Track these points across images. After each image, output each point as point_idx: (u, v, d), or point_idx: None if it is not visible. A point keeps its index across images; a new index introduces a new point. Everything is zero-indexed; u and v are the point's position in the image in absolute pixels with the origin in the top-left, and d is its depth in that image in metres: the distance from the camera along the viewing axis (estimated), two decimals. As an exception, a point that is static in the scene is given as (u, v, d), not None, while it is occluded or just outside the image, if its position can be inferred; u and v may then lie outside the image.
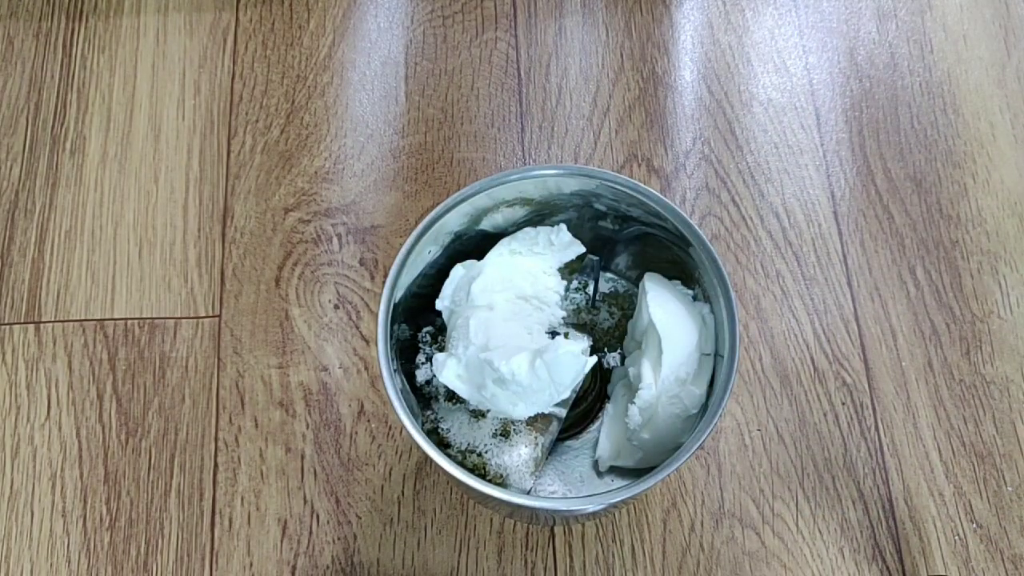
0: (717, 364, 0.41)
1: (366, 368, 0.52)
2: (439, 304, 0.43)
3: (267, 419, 0.51)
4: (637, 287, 0.45)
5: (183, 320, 0.53)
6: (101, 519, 0.49)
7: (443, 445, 0.43)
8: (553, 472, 0.46)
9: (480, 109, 0.59)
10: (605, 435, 0.46)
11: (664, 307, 0.42)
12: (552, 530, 0.49)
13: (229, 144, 0.58)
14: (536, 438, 0.43)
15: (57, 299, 0.54)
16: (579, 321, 0.47)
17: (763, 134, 0.58)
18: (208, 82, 0.59)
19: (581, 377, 0.41)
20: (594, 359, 0.41)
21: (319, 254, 0.55)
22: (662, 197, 0.41)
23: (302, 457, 0.50)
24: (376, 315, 0.51)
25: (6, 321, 0.53)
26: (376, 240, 0.55)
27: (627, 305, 0.47)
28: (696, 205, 0.56)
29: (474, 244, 0.45)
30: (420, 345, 0.45)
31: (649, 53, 0.61)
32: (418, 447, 0.38)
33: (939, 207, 0.57)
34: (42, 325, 0.53)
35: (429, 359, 0.44)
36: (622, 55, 0.61)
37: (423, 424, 0.43)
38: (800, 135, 0.58)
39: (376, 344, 0.40)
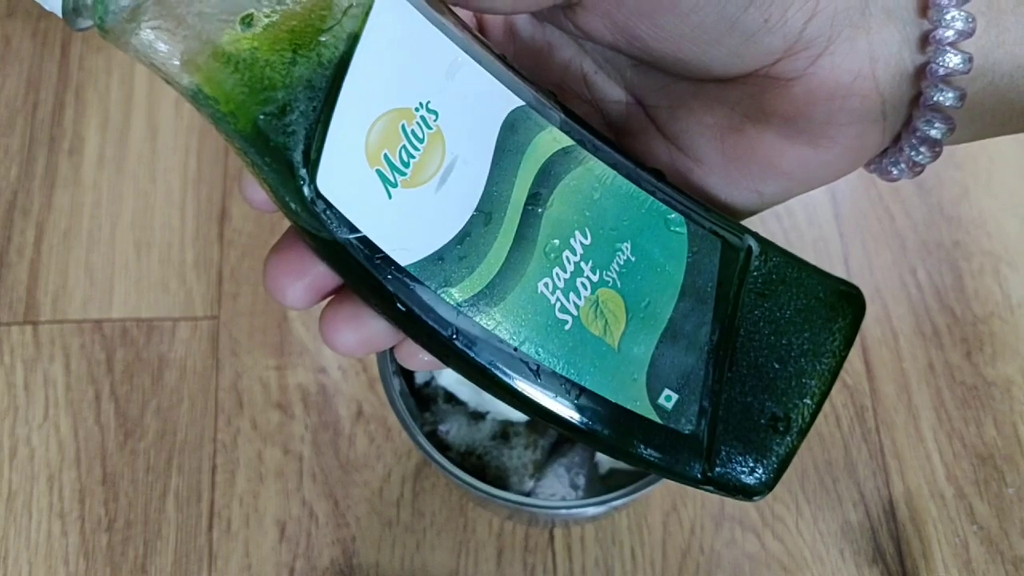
0: None
1: (364, 370, 0.52)
2: None
3: (265, 420, 0.51)
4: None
5: (181, 321, 0.53)
6: (99, 520, 0.49)
7: (442, 447, 0.42)
8: (553, 475, 0.46)
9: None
10: (605, 437, 0.46)
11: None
12: (552, 533, 0.49)
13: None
14: (536, 440, 0.43)
15: (55, 300, 0.54)
16: None
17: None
18: (206, 82, 0.59)
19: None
20: None
21: (318, 255, 0.55)
22: None
23: (300, 459, 0.50)
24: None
25: (4, 322, 0.53)
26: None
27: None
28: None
29: None
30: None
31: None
32: (417, 449, 0.38)
33: (940, 208, 0.57)
34: (39, 326, 0.53)
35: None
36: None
37: (422, 426, 0.43)
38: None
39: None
